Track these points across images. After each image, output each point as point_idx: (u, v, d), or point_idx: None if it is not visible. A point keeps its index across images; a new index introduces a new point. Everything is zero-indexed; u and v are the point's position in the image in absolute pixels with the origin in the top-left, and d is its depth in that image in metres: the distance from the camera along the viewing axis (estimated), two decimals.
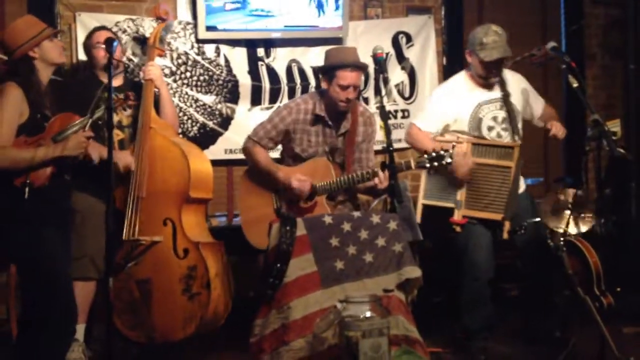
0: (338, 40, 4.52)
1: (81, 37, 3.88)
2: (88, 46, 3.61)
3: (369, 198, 3.72)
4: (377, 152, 4.17)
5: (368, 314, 2.53)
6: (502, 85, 3.53)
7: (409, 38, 4.71)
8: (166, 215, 3.40)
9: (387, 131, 3.02)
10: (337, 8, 4.42)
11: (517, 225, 3.26)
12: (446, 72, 4.87)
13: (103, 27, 3.68)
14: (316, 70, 3.32)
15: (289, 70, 4.51)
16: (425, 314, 3.04)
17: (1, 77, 2.95)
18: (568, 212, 3.53)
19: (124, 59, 3.85)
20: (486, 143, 3.44)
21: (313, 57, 4.53)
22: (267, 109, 4.43)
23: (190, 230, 3.40)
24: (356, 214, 3.06)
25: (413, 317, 2.88)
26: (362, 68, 3.49)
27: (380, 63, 3.22)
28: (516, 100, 3.55)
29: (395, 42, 4.68)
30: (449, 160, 3.12)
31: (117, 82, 3.49)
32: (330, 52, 3.57)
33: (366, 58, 4.36)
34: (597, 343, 3.01)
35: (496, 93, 3.54)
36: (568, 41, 5.04)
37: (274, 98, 4.46)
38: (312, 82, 4.51)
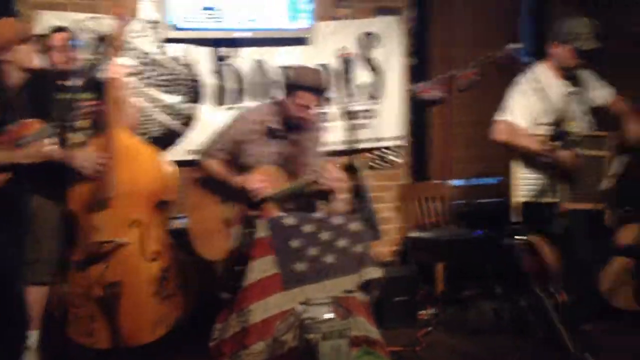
0: (305, 41, 4.50)
1: None
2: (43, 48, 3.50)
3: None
4: (340, 153, 4.19)
5: (328, 315, 2.52)
6: (578, 78, 3.59)
7: (376, 38, 4.70)
8: (134, 217, 3.33)
9: (351, 132, 3.01)
10: (285, 7, 4.36)
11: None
12: (413, 73, 4.89)
13: (62, 29, 3.52)
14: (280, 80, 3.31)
15: (253, 70, 4.47)
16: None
17: None
18: None
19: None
20: (581, 134, 3.46)
21: (278, 57, 4.49)
22: (231, 108, 4.40)
23: (161, 232, 3.38)
24: (317, 215, 3.05)
25: (373, 317, 2.88)
26: (321, 92, 3.51)
27: (347, 63, 3.19)
28: (589, 92, 3.61)
29: (363, 43, 4.67)
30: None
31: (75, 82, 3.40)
32: (294, 70, 3.61)
33: (333, 58, 4.39)
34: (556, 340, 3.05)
35: (574, 86, 3.58)
36: (537, 41, 5.07)
37: (238, 98, 4.42)
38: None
